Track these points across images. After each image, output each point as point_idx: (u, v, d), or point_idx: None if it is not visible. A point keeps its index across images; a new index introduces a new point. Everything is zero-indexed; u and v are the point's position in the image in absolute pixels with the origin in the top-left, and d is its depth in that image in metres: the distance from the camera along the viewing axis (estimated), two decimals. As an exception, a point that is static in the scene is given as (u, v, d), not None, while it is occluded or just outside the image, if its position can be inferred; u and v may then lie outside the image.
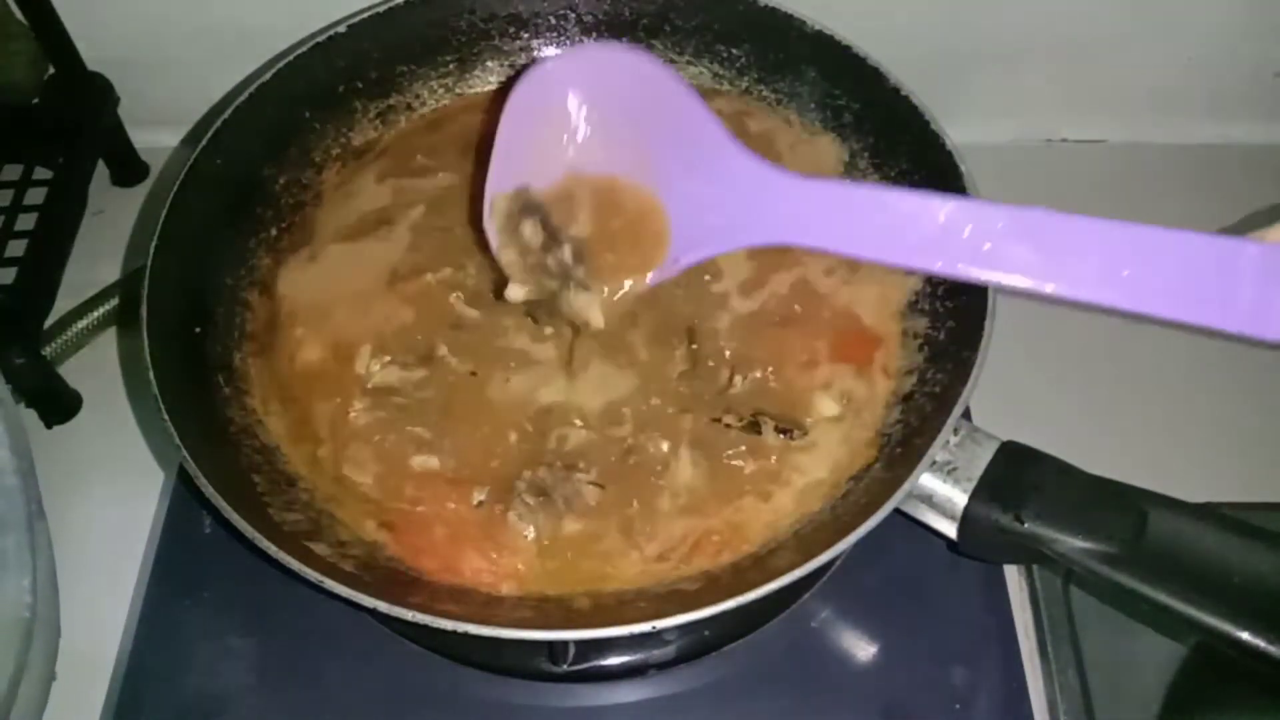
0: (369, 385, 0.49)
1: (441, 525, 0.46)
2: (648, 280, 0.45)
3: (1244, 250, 0.34)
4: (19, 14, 0.64)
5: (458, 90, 0.60)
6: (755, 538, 0.46)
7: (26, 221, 0.63)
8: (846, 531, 0.40)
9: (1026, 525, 0.42)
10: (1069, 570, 0.42)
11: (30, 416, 0.61)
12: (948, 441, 0.43)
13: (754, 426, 0.48)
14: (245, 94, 0.53)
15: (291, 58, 0.54)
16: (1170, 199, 0.70)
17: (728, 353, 0.50)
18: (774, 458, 0.47)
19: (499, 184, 0.45)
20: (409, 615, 0.38)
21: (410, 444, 0.48)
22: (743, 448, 0.48)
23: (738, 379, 0.49)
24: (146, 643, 0.51)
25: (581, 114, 0.45)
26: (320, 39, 0.55)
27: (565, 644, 0.49)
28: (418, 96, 0.60)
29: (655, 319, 0.51)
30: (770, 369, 0.49)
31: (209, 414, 0.47)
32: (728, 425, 0.48)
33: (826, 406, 0.49)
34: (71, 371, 0.62)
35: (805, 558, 0.40)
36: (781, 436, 0.48)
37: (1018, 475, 0.43)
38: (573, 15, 0.60)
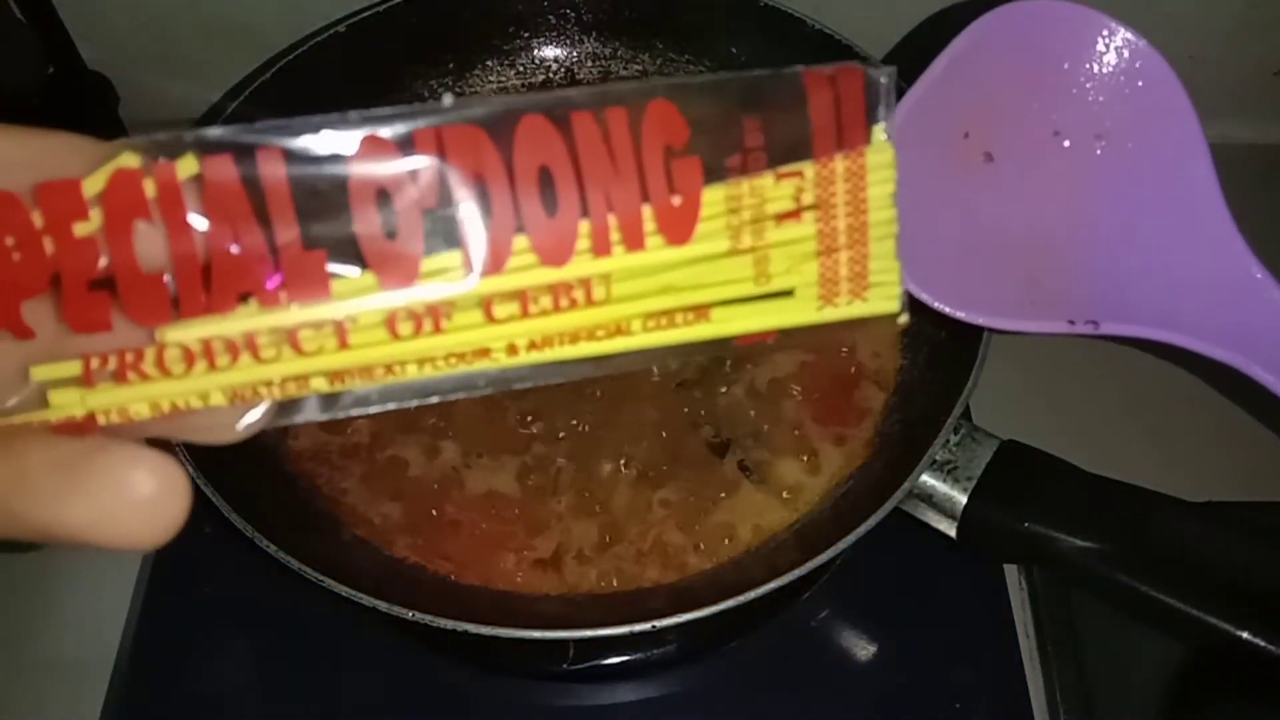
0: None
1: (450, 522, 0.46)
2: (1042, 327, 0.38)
3: None
4: (19, 13, 0.64)
5: (457, 90, 0.60)
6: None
7: (26, 221, 0.63)
8: (847, 531, 0.40)
9: (1026, 525, 0.42)
10: (1069, 570, 0.42)
11: (30, 416, 0.61)
12: (948, 441, 0.43)
13: (720, 449, 0.48)
14: (245, 94, 0.53)
15: (291, 57, 0.54)
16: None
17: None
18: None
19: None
20: (408, 615, 0.38)
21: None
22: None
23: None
24: (146, 643, 0.51)
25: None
26: (320, 39, 0.55)
27: (565, 643, 0.49)
28: (418, 96, 0.60)
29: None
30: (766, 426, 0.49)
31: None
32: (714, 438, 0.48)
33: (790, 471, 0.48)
34: (71, 371, 0.62)
35: (806, 557, 0.40)
36: (742, 473, 0.47)
37: (1018, 475, 0.43)
38: (573, 15, 0.60)
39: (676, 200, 0.18)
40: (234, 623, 0.52)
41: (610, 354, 0.18)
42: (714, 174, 0.18)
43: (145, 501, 0.16)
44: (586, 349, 0.18)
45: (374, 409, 0.18)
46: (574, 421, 0.48)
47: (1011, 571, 0.54)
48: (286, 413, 0.18)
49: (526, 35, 0.60)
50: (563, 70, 0.61)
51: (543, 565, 0.45)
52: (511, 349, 0.18)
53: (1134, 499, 0.42)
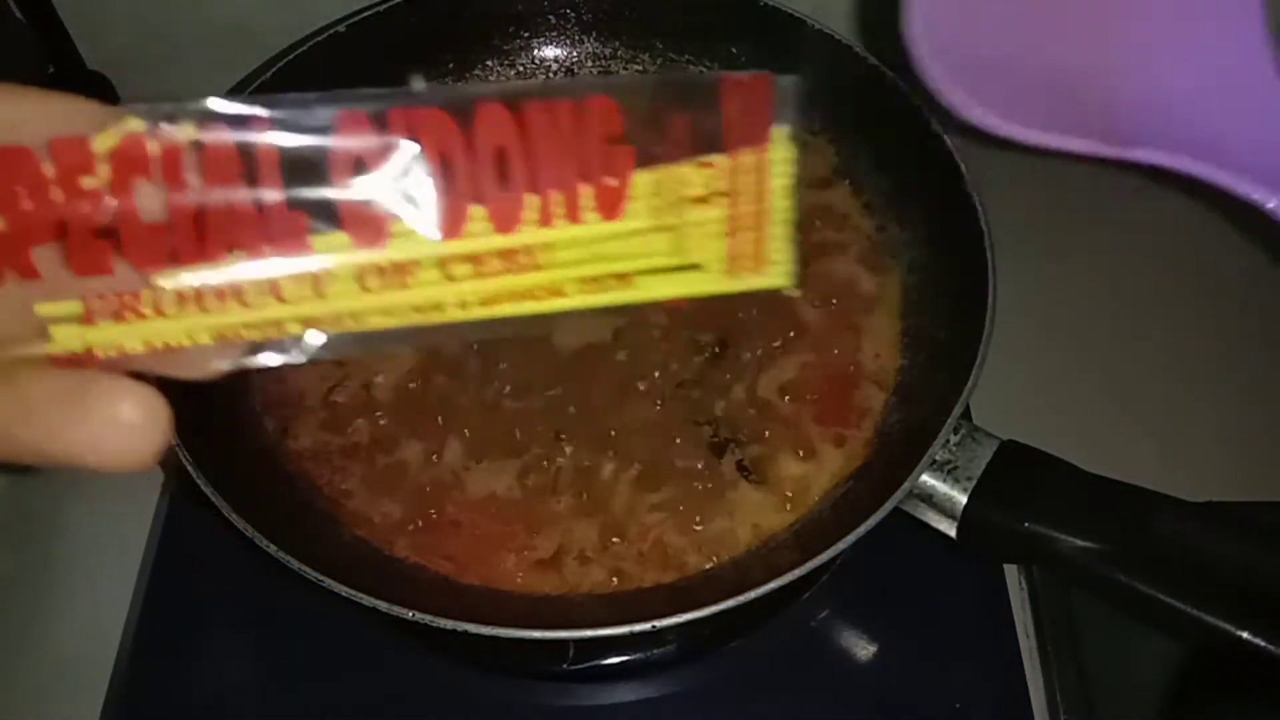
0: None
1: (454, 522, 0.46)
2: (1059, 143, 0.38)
3: None
4: (19, 13, 0.64)
5: (458, 90, 0.60)
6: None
7: (26, 221, 0.63)
8: (847, 531, 0.40)
9: (1026, 525, 0.42)
10: (1069, 570, 0.42)
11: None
12: (948, 441, 0.43)
13: (719, 449, 0.48)
14: (245, 93, 0.53)
15: (291, 57, 0.54)
16: (1171, 197, 0.70)
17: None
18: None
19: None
20: (409, 615, 0.38)
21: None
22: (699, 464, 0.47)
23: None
24: (146, 643, 0.51)
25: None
26: (320, 38, 0.55)
27: (565, 643, 0.49)
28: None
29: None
30: (765, 427, 0.49)
31: (208, 414, 0.47)
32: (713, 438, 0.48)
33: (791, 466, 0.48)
34: (71, 371, 0.62)
35: (805, 557, 0.40)
36: (740, 473, 0.48)
37: (1018, 475, 0.43)
38: (573, 15, 0.60)
39: (611, 182, 0.20)
40: (234, 623, 0.52)
41: (548, 312, 0.21)
42: (644, 161, 0.21)
43: (133, 428, 0.19)
44: (529, 307, 0.21)
45: (338, 354, 0.20)
46: (574, 422, 0.48)
47: (1011, 571, 0.54)
48: (257, 353, 0.20)
49: (526, 35, 0.60)
50: (563, 70, 0.61)
51: (543, 565, 0.45)
52: (464, 305, 0.20)
53: (1134, 499, 0.42)
